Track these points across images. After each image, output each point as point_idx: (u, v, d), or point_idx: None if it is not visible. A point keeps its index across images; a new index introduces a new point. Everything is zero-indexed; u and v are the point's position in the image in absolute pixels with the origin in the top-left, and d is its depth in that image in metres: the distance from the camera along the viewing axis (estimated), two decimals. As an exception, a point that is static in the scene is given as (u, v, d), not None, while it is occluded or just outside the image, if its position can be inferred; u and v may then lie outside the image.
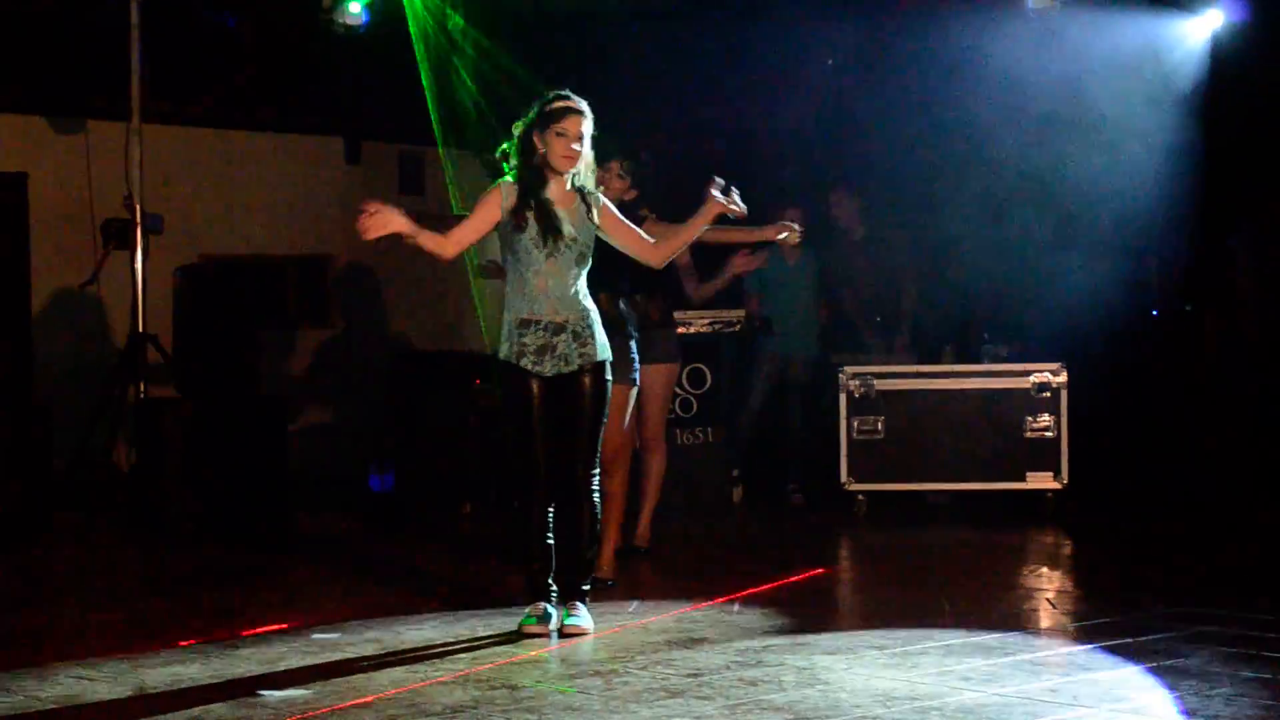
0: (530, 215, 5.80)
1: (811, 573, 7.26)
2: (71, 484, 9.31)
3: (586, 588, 5.94)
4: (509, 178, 5.91)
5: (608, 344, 5.96)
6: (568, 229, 5.80)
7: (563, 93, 5.88)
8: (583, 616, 5.83)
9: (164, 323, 9.88)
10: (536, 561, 5.91)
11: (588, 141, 5.87)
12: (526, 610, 5.84)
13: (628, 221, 6.04)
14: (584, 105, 5.86)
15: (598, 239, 5.96)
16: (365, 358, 11.91)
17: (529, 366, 5.81)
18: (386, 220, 5.59)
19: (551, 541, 5.91)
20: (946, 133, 10.54)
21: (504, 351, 5.87)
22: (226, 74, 11.23)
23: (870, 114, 10.68)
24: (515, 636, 5.72)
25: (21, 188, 9.10)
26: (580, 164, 5.87)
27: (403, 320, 12.39)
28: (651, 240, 6.03)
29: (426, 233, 5.76)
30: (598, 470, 5.93)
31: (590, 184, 5.97)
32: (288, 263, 11.92)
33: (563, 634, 5.75)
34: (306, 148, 12.07)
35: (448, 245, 5.82)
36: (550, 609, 5.86)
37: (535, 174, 5.84)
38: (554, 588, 5.92)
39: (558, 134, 5.79)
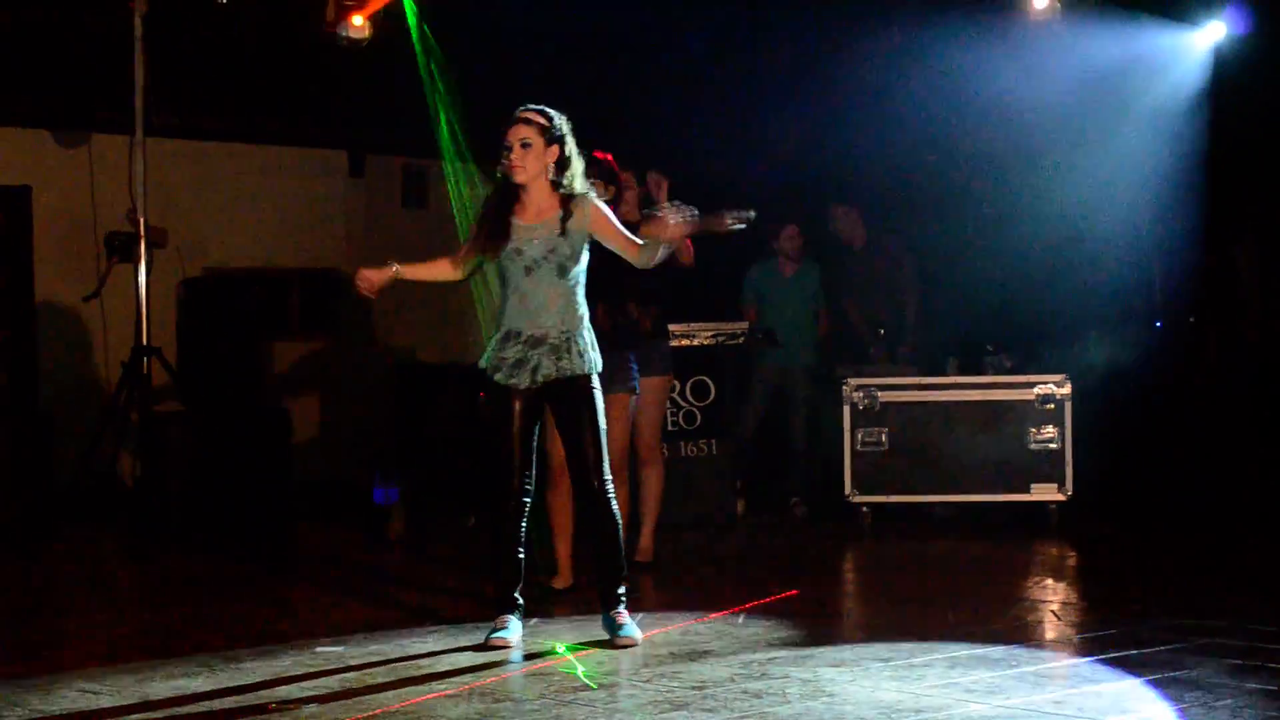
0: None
1: (815, 585, 7.25)
2: (76, 496, 9.30)
3: (622, 593, 5.94)
4: None
5: (596, 357, 5.93)
6: (529, 246, 5.81)
7: (518, 112, 5.91)
8: (630, 626, 5.84)
9: (168, 335, 9.89)
10: (504, 573, 5.95)
11: (540, 146, 5.82)
12: (493, 623, 5.87)
13: (616, 222, 5.94)
14: (530, 112, 5.87)
15: (597, 246, 5.94)
16: (369, 370, 11.91)
17: (503, 381, 5.86)
18: (370, 279, 5.90)
19: (522, 555, 5.96)
20: (948, 143, 10.54)
21: (483, 362, 5.94)
22: (230, 87, 11.24)
23: (872, 125, 10.69)
24: (525, 650, 5.73)
25: (25, 201, 9.13)
26: (548, 167, 5.84)
27: (407, 332, 12.38)
28: (640, 242, 5.87)
29: (419, 265, 6.03)
30: (610, 477, 5.93)
31: (582, 187, 5.94)
32: (291, 275, 11.92)
33: (615, 646, 5.75)
34: (310, 160, 12.07)
35: (454, 268, 5.99)
36: (515, 621, 5.90)
37: (501, 192, 5.90)
38: (520, 600, 5.96)
39: (503, 148, 5.86)
